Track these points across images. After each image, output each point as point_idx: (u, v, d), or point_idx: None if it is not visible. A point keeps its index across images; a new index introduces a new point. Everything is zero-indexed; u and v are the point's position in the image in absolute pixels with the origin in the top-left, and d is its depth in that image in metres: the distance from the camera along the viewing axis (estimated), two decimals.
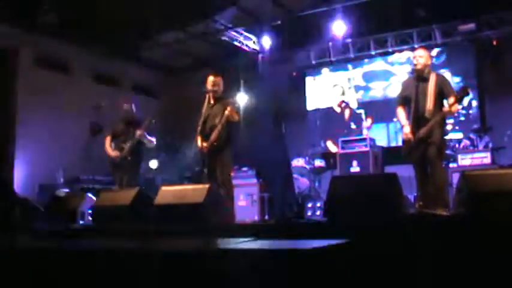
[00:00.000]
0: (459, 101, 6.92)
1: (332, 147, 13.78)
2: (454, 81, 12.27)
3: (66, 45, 13.06)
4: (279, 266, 3.27)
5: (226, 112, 7.59)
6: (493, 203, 4.97)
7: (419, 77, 7.17)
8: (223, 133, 7.72)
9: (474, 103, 12.90)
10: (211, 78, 8.02)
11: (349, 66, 14.82)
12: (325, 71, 15.21)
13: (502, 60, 12.59)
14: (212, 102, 7.98)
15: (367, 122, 12.88)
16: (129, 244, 4.65)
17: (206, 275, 3.45)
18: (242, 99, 14.14)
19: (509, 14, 12.13)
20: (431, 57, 7.48)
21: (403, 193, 5.89)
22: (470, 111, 12.96)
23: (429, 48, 12.38)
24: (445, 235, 4.57)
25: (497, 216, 4.56)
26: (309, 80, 15.44)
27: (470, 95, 7.50)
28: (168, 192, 6.96)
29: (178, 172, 12.77)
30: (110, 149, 8.95)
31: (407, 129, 7.10)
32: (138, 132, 8.76)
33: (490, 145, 10.62)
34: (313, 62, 14.63)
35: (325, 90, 15.13)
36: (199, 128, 7.81)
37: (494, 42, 12.40)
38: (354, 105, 14.55)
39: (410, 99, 7.13)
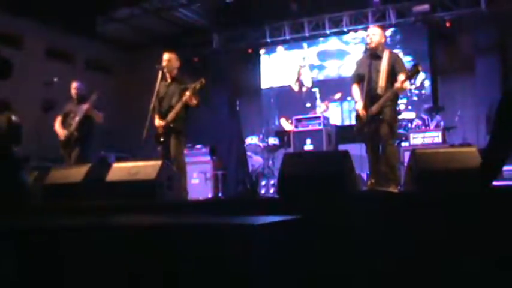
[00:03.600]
0: (410, 77, 7.01)
1: (286, 125, 13.85)
2: (407, 60, 12.37)
3: (18, 19, 12.76)
4: (227, 241, 3.27)
5: (185, 97, 7.58)
6: (441, 180, 5.04)
7: (372, 54, 7.25)
8: (180, 114, 7.70)
9: (427, 83, 13.05)
10: (165, 56, 7.97)
11: (304, 45, 14.82)
12: (280, 49, 15.20)
13: (454, 41, 12.76)
14: (169, 80, 7.96)
15: (320, 108, 13.03)
16: (79, 221, 4.61)
17: (155, 251, 3.44)
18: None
19: None
20: (385, 35, 7.54)
21: (355, 171, 5.93)
22: (423, 91, 13.11)
23: (383, 28, 12.53)
24: (395, 212, 4.63)
25: (446, 193, 4.62)
26: (263, 57, 15.40)
27: (422, 74, 7.60)
28: (121, 169, 6.90)
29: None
30: (58, 127, 8.96)
31: (359, 105, 7.19)
32: (84, 107, 8.77)
33: (442, 124, 10.79)
34: (268, 40, 14.60)
35: (280, 68, 15.12)
36: (152, 105, 7.78)
37: (448, 24, 12.52)
38: (308, 83, 14.60)
39: (364, 76, 7.20)
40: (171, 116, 7.67)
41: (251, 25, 14.42)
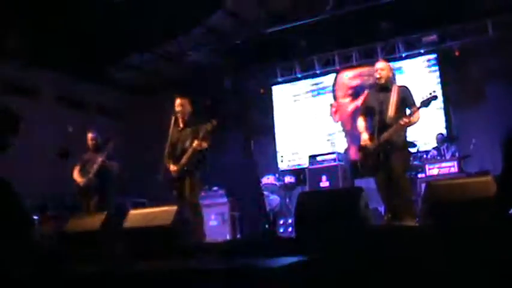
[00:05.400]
0: (426, 104, 6.99)
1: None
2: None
3: (31, 69, 12.92)
4: (246, 285, 3.27)
5: (194, 144, 7.65)
6: (457, 212, 5.01)
7: (381, 88, 7.26)
8: (193, 157, 7.75)
9: (440, 112, 12.94)
10: (178, 101, 8.05)
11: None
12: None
13: (464, 70, 12.76)
14: (181, 125, 8.03)
15: None
16: (98, 268, 4.62)
17: None
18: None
19: (471, 25, 12.30)
20: (392, 68, 7.57)
21: (368, 206, 5.90)
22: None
23: (393, 60, 12.60)
24: (412, 246, 4.60)
25: (461, 225, 4.60)
26: (276, 95, 15.36)
27: (437, 101, 7.60)
28: (137, 216, 6.93)
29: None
30: (77, 176, 9.06)
31: (365, 135, 7.22)
32: (99, 159, 8.87)
33: (457, 154, 10.75)
34: (280, 79, 14.69)
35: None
36: (166, 150, 7.85)
37: (457, 53, 12.54)
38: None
39: (372, 110, 7.22)
40: (184, 160, 7.72)
41: (262, 65, 14.51)
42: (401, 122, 6.94)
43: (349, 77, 14.11)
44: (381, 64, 7.44)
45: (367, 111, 7.45)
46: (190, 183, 7.73)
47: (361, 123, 7.46)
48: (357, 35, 13.17)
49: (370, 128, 7.32)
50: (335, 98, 14.27)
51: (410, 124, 7.11)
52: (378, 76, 7.32)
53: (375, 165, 7.07)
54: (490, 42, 12.14)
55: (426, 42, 12.89)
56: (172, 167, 7.81)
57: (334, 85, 14.31)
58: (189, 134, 7.90)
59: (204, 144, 7.72)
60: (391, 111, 7.03)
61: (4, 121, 3.48)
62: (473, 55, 12.63)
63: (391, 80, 7.35)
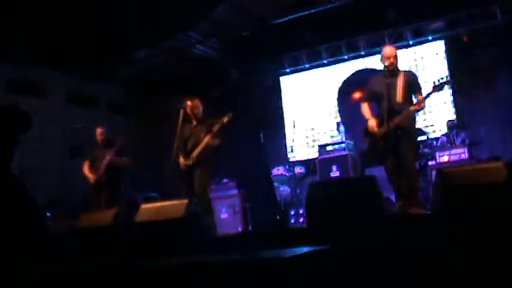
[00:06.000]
0: (439, 88, 6.99)
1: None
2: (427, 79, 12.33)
3: (40, 68, 12.94)
4: (258, 277, 3.27)
5: (206, 140, 7.74)
6: (469, 197, 4.99)
7: (389, 73, 7.25)
8: (205, 152, 7.79)
9: (449, 99, 12.91)
10: (188, 102, 8.10)
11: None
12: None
13: (473, 57, 12.67)
14: (195, 122, 8.11)
15: None
16: (111, 264, 4.63)
17: None
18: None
19: (479, 11, 12.22)
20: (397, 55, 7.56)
21: (383, 196, 5.89)
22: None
23: (402, 48, 12.57)
24: (426, 234, 4.59)
25: (474, 211, 4.58)
26: (284, 86, 15.33)
27: (446, 88, 7.61)
28: (148, 210, 6.95)
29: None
30: (87, 171, 9.09)
31: (372, 122, 7.21)
32: (107, 158, 8.89)
33: (467, 141, 10.70)
34: (287, 70, 14.67)
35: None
36: (175, 145, 7.87)
37: (465, 38, 12.47)
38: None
39: (378, 95, 7.23)
40: (195, 153, 7.76)
41: (269, 56, 14.49)
42: (412, 108, 6.95)
43: None
44: (389, 50, 7.42)
45: (371, 97, 7.45)
46: (199, 176, 7.76)
47: (366, 109, 7.46)
48: (364, 23, 13.10)
49: (375, 114, 7.31)
50: None
51: (419, 109, 7.13)
52: (386, 63, 7.30)
53: (384, 151, 7.06)
54: (499, 29, 12.06)
55: (434, 29, 12.85)
56: (182, 160, 7.85)
57: None
58: (202, 129, 7.95)
59: (217, 141, 7.77)
60: (398, 96, 7.02)
61: (14, 120, 3.50)
62: (482, 41, 12.55)
63: (397, 66, 7.34)
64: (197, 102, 8.20)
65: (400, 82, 7.10)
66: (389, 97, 7.08)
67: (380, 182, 5.75)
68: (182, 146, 8.00)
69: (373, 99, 7.41)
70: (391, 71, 7.25)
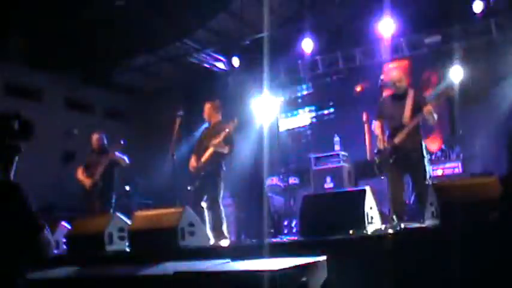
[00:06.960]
0: (441, 96, 7.15)
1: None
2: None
3: (37, 72, 12.94)
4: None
5: (211, 145, 7.79)
6: (462, 212, 5.01)
7: (398, 96, 7.35)
8: (215, 157, 7.81)
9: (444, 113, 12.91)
10: (207, 104, 8.37)
11: None
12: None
13: (468, 71, 12.69)
14: (211, 126, 8.29)
15: None
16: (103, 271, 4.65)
17: None
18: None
19: (473, 26, 12.25)
20: (407, 74, 7.68)
21: (375, 208, 5.91)
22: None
23: (397, 60, 12.61)
24: (420, 248, 4.62)
25: (468, 225, 4.60)
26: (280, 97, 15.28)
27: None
28: (143, 217, 6.94)
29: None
30: (82, 176, 9.07)
31: (382, 139, 7.28)
32: (110, 154, 8.88)
33: (461, 155, 10.73)
34: (283, 80, 14.69)
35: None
36: (171, 152, 7.92)
37: (460, 54, 12.48)
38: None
39: (388, 115, 7.33)
40: (203, 159, 7.80)
41: (265, 66, 14.48)
42: (413, 122, 7.03)
43: None
44: (396, 74, 7.54)
45: (382, 116, 7.58)
46: (211, 184, 7.83)
47: (378, 127, 7.56)
48: (360, 35, 13.12)
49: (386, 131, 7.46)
50: None
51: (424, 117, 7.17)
52: (397, 86, 7.39)
53: (388, 166, 7.14)
54: (494, 43, 12.10)
55: (429, 43, 12.87)
56: (192, 162, 7.91)
57: None
58: (214, 133, 7.99)
59: (225, 148, 7.81)
60: (406, 112, 7.12)
61: (15, 126, 3.49)
62: (477, 56, 12.57)
63: (406, 88, 7.42)
64: (214, 104, 8.33)
65: (408, 101, 7.23)
66: (396, 118, 7.29)
67: (373, 194, 5.80)
68: (197, 147, 8.08)
69: (383, 117, 7.54)
70: (400, 94, 7.37)
